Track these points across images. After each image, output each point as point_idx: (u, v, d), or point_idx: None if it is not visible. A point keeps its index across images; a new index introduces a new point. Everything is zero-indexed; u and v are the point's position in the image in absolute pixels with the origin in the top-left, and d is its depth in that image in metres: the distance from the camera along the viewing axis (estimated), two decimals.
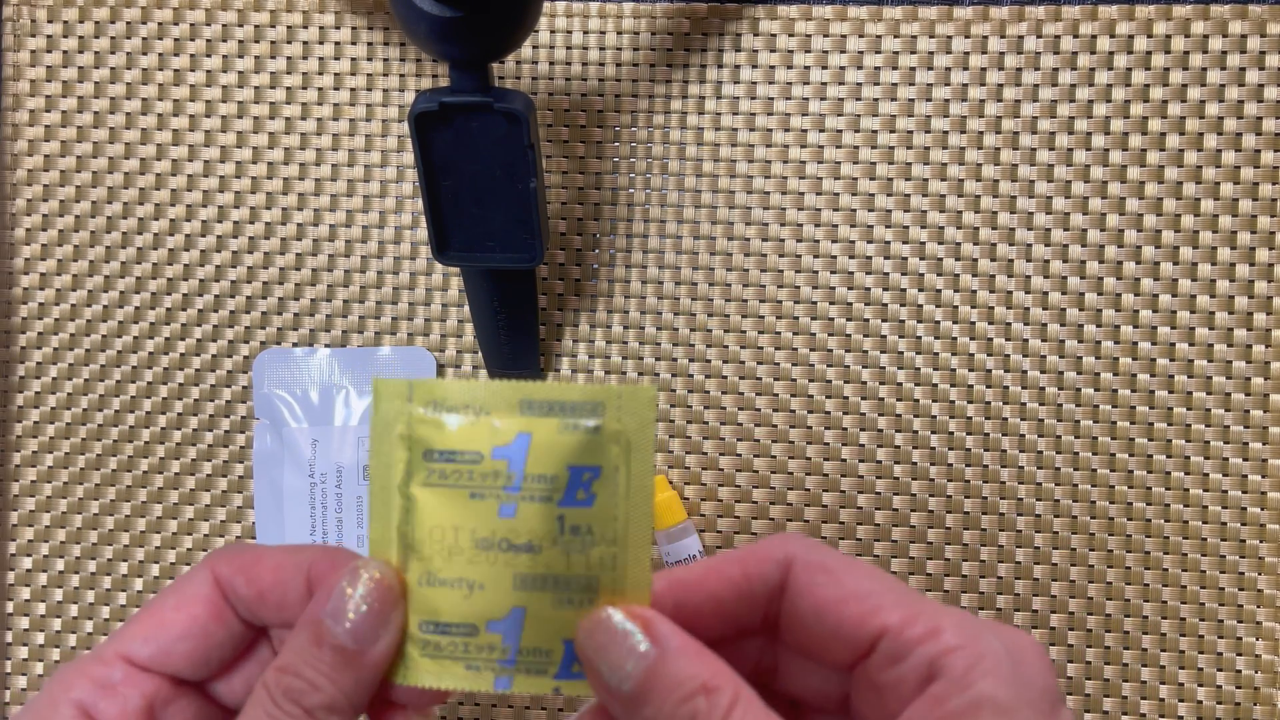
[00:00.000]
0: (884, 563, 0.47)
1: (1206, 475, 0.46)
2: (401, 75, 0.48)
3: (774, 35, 0.47)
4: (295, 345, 0.49)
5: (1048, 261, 0.46)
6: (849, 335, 0.47)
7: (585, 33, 0.48)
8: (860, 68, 0.47)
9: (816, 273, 0.47)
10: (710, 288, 0.47)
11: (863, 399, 0.47)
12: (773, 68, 0.47)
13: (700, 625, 0.22)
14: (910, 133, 0.47)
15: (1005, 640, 0.21)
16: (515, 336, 0.45)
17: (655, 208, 0.48)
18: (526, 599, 0.22)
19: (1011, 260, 0.46)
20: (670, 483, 0.47)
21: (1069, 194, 0.46)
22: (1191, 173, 0.46)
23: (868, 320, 0.47)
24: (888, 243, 0.47)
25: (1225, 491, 0.45)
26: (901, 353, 0.47)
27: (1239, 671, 0.45)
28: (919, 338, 0.47)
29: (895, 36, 0.47)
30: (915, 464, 0.47)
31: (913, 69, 0.47)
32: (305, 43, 0.48)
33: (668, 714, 0.20)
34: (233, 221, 0.49)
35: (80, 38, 0.49)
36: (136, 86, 0.49)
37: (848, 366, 0.47)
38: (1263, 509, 0.45)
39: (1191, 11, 0.45)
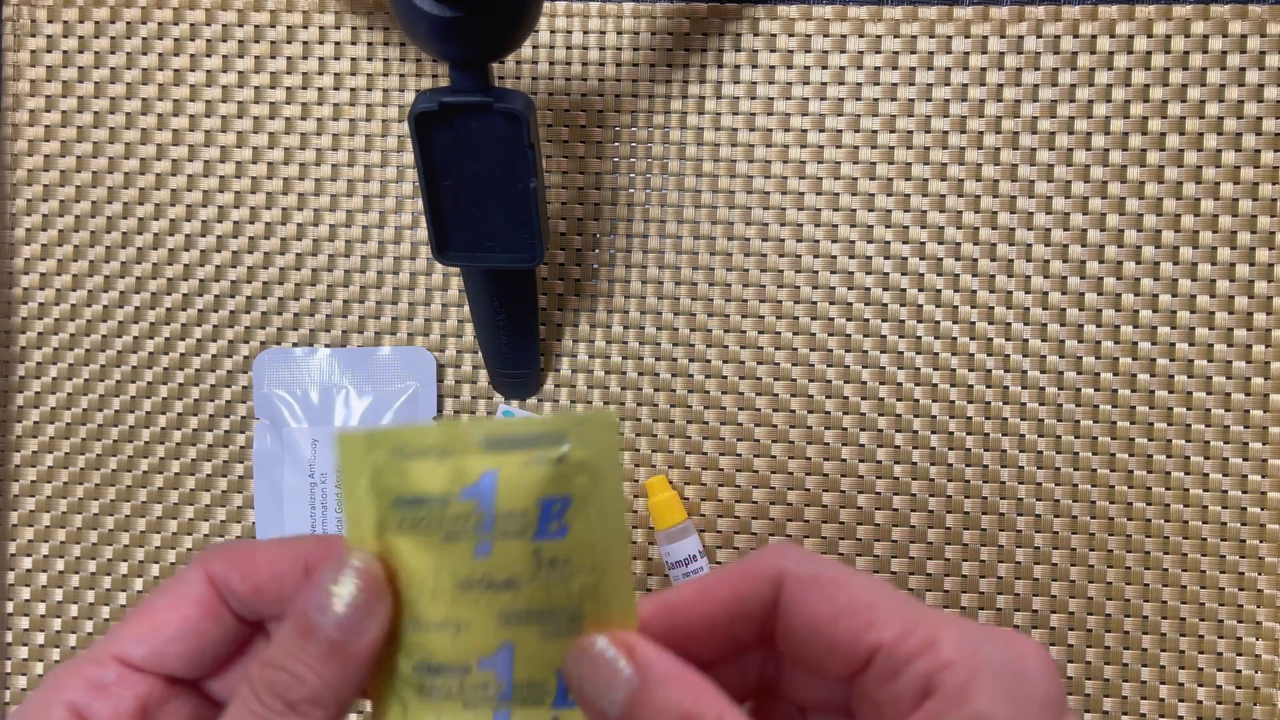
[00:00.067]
0: (884, 563, 0.47)
1: (1206, 475, 0.46)
2: (401, 75, 0.48)
3: (774, 35, 0.47)
4: (295, 345, 0.49)
5: (1048, 261, 0.46)
6: (849, 335, 0.47)
7: (585, 33, 0.48)
8: (860, 68, 0.47)
9: (816, 273, 0.47)
10: (710, 288, 0.47)
11: (863, 399, 0.47)
12: (773, 68, 0.47)
13: (694, 647, 0.22)
14: (910, 133, 0.47)
15: (1006, 651, 0.20)
16: (515, 336, 0.45)
17: (655, 208, 0.48)
18: (513, 634, 0.22)
19: (1011, 260, 0.46)
20: (670, 483, 0.47)
21: (1069, 194, 0.46)
22: (1191, 173, 0.46)
23: (868, 320, 0.47)
24: (888, 243, 0.47)
25: (1225, 491, 0.45)
26: (901, 353, 0.47)
27: (1239, 671, 0.45)
28: (919, 338, 0.47)
29: (895, 36, 0.47)
30: (915, 464, 0.47)
31: (913, 69, 0.47)
32: (305, 43, 0.48)
33: None
34: (233, 221, 0.49)
35: (80, 38, 0.49)
36: (136, 86, 0.49)
37: (848, 366, 0.47)
38: (1263, 509, 0.45)
39: (1191, 11, 0.45)
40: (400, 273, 0.48)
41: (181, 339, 0.49)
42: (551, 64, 0.48)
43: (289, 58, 0.49)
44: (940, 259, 0.47)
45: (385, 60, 0.48)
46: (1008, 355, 0.46)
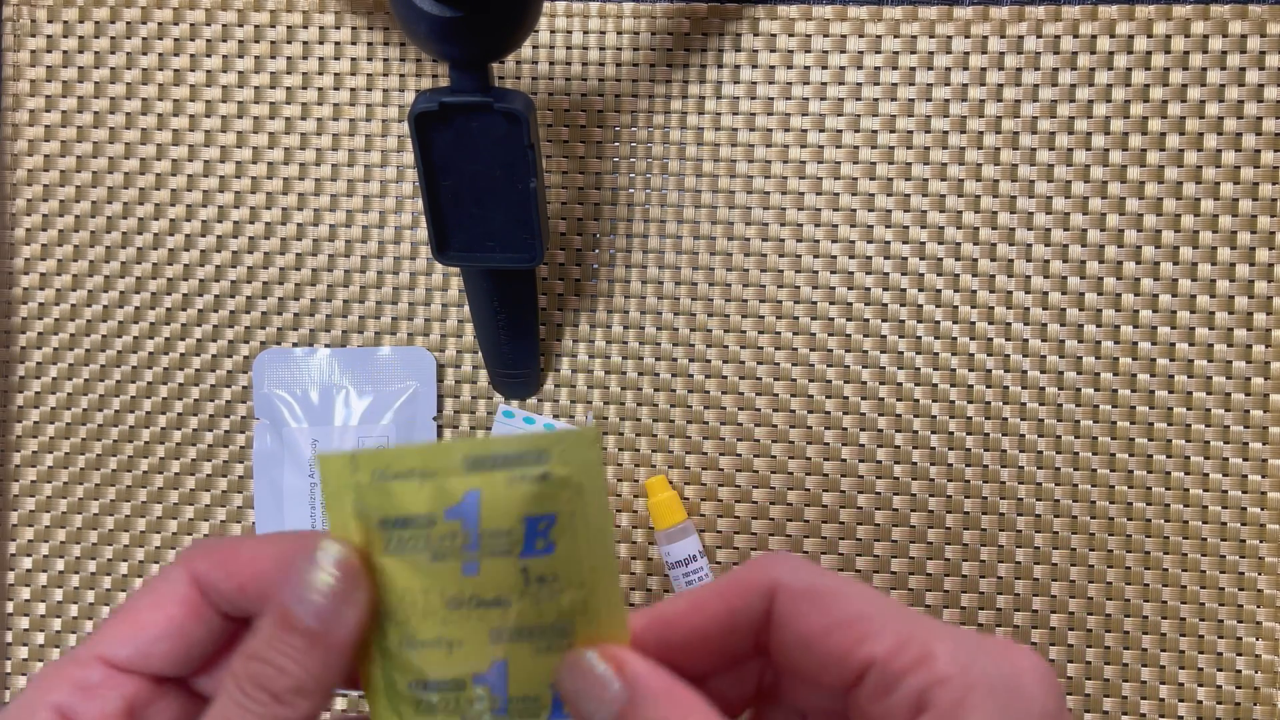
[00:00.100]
0: (884, 562, 0.47)
1: (1206, 475, 0.46)
2: (401, 75, 0.48)
3: (774, 35, 0.47)
4: (295, 345, 0.49)
5: (1048, 261, 0.46)
6: (849, 335, 0.47)
7: (585, 33, 0.48)
8: (860, 68, 0.47)
9: (816, 273, 0.47)
10: (710, 288, 0.47)
11: (863, 399, 0.47)
12: (773, 68, 0.47)
13: (688, 659, 0.22)
14: (910, 133, 0.47)
15: (1003, 665, 0.20)
16: (515, 336, 0.45)
17: (655, 208, 0.48)
18: (506, 650, 0.22)
19: (1011, 260, 0.46)
20: (670, 483, 0.47)
21: (1069, 194, 0.46)
22: (1191, 173, 0.46)
23: (868, 320, 0.47)
24: (888, 243, 0.47)
25: (1225, 491, 0.45)
26: (901, 353, 0.47)
27: (1239, 671, 0.45)
28: (919, 338, 0.47)
29: (895, 36, 0.47)
30: (915, 464, 0.47)
31: (913, 69, 0.47)
32: (305, 43, 0.48)
33: None
34: (233, 221, 0.49)
35: (80, 38, 0.49)
36: (136, 86, 0.49)
37: (848, 366, 0.47)
38: (1263, 509, 0.45)
39: (1191, 11, 0.45)
40: (400, 273, 0.48)
41: (181, 339, 0.49)
42: (551, 64, 0.48)
43: (289, 58, 0.49)
44: (940, 259, 0.47)
45: (385, 60, 0.48)
46: (1008, 355, 0.46)
